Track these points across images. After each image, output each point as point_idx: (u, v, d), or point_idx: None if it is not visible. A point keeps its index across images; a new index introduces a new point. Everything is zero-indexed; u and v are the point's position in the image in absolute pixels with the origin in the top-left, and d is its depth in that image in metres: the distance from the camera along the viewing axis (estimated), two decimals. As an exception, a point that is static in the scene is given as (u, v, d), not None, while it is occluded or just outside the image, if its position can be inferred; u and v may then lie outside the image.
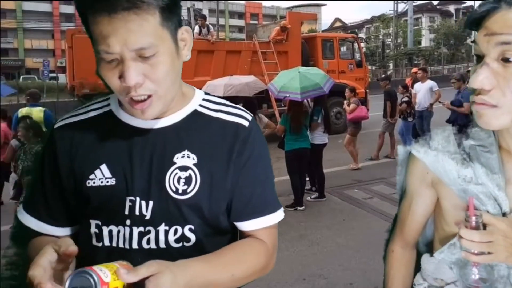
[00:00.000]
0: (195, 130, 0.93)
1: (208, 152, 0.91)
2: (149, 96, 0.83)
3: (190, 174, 0.89)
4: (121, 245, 0.88)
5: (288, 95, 5.72)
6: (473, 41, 0.82)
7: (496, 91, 0.76)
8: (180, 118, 0.93)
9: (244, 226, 0.96)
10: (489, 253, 0.79)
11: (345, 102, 7.91)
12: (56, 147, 0.94)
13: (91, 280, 0.64)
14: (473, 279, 0.84)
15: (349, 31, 39.72)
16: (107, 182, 0.89)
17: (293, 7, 50.17)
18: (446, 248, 0.93)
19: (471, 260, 0.81)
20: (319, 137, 5.82)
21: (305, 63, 10.74)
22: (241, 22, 50.84)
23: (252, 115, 1.01)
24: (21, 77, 32.21)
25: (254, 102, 5.89)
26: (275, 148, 5.89)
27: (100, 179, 0.89)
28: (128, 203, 0.88)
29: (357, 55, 13.03)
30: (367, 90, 12.14)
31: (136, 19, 0.77)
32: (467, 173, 0.88)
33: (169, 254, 0.84)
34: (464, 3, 52.29)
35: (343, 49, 13.54)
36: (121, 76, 0.80)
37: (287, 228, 4.67)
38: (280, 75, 6.52)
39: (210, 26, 11.28)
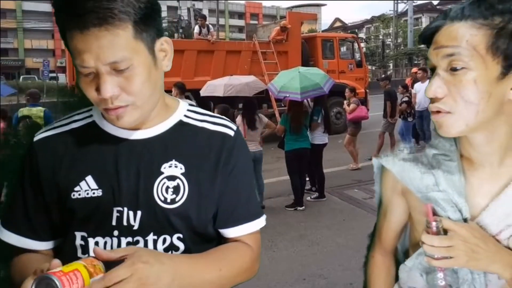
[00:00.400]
0: (181, 140, 0.94)
1: (195, 162, 0.92)
2: (126, 105, 0.84)
3: (178, 183, 0.90)
4: None
5: (288, 95, 5.72)
6: (426, 58, 0.89)
7: (448, 98, 0.82)
8: (166, 128, 0.94)
9: (230, 232, 0.97)
10: (450, 257, 0.82)
11: (345, 102, 7.91)
12: (37, 160, 0.92)
13: (46, 279, 0.68)
14: (439, 284, 0.86)
15: (349, 31, 39.70)
16: (93, 193, 0.88)
17: (293, 7, 50.20)
18: (415, 255, 0.96)
19: (433, 265, 0.84)
20: (319, 137, 5.82)
21: (305, 63, 10.73)
22: (241, 22, 50.89)
23: (236, 125, 1.03)
24: (21, 77, 32.28)
25: (254, 102, 5.86)
26: (275, 148, 5.88)
27: (85, 190, 0.89)
28: (115, 214, 0.88)
29: (357, 55, 13.03)
30: (367, 90, 12.14)
31: (107, 35, 0.78)
32: (430, 181, 0.91)
33: None
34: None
35: (343, 49, 13.54)
36: (98, 89, 0.81)
37: (287, 228, 4.67)
38: (280, 75, 6.52)
39: (210, 26, 11.28)
